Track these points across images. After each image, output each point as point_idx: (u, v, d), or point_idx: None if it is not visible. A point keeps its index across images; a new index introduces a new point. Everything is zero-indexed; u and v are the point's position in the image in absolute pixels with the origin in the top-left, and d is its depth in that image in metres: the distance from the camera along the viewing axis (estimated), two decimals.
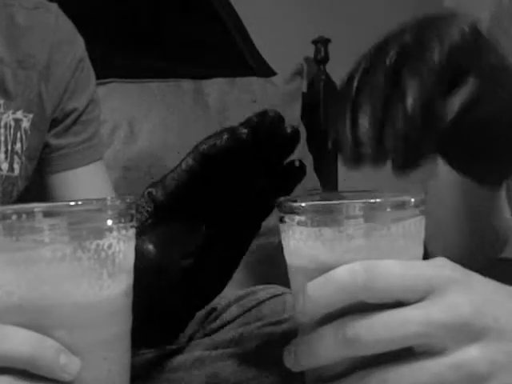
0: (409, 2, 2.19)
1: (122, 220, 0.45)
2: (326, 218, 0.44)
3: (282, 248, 0.48)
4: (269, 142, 0.54)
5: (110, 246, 0.44)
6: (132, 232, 0.46)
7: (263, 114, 0.53)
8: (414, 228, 0.45)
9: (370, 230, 0.44)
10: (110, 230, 0.44)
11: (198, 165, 0.53)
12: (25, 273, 0.42)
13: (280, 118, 0.53)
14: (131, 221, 0.45)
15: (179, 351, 0.74)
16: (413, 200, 0.45)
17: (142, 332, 0.57)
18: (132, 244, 0.46)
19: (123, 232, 0.45)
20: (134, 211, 0.46)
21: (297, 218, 0.45)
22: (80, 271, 0.43)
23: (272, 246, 1.41)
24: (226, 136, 0.53)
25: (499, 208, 0.77)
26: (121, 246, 0.44)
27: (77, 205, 0.44)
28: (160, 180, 0.55)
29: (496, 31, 0.83)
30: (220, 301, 0.78)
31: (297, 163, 0.56)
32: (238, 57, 1.84)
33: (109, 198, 0.46)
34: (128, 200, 0.46)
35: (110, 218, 0.44)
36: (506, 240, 0.82)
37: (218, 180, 0.55)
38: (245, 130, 0.52)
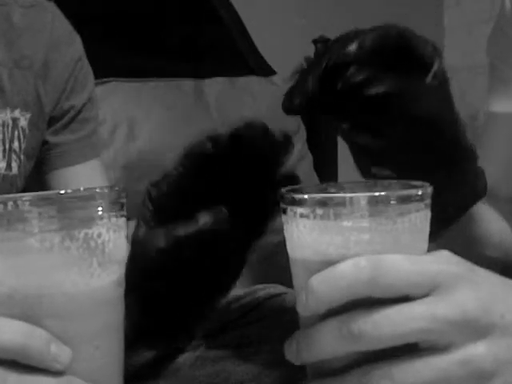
0: (409, 2, 2.20)
1: (112, 209, 0.44)
2: (330, 210, 0.44)
3: (284, 242, 0.47)
4: (252, 153, 0.54)
5: (99, 235, 0.43)
6: (122, 221, 0.45)
7: (249, 125, 0.53)
8: (419, 222, 0.45)
9: (375, 224, 0.44)
10: (100, 218, 0.43)
11: (184, 168, 0.54)
12: (14, 263, 0.42)
13: (265, 130, 0.53)
14: (121, 210, 0.45)
15: (180, 351, 0.74)
16: (418, 193, 0.45)
17: (151, 334, 0.57)
18: (123, 233, 0.45)
19: (113, 221, 0.44)
20: (124, 200, 0.45)
21: (299, 210, 0.45)
22: (69, 261, 0.43)
23: (272, 246, 1.40)
24: (208, 145, 0.53)
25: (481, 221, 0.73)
26: (110, 235, 0.44)
27: (66, 193, 0.44)
28: (159, 179, 0.55)
29: (499, 36, 0.83)
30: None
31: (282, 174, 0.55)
32: (237, 56, 1.83)
33: (98, 186, 0.45)
34: (117, 188, 0.45)
35: (100, 207, 0.43)
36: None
37: (209, 183, 0.54)
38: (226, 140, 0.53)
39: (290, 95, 0.54)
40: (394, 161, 0.57)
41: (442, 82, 0.56)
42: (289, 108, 0.54)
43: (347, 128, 0.56)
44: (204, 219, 0.53)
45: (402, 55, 0.54)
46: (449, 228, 0.64)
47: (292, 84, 0.54)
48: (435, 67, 0.55)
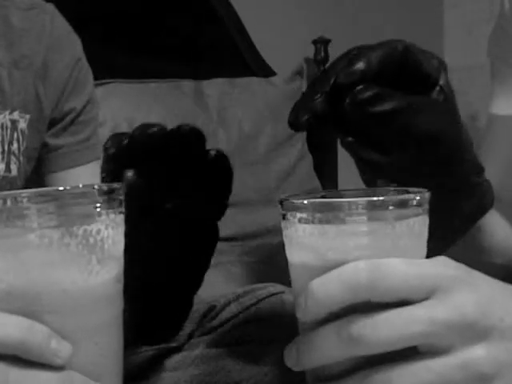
0: (409, 2, 2.20)
1: (110, 205, 0.44)
2: (329, 215, 0.44)
3: (283, 246, 0.47)
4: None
5: (98, 232, 0.43)
6: (120, 218, 0.45)
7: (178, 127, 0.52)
8: (417, 227, 0.45)
9: (374, 228, 0.44)
10: (98, 215, 0.43)
11: (106, 165, 0.53)
12: (13, 260, 0.42)
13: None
14: (119, 206, 0.45)
15: (178, 349, 0.74)
16: (416, 198, 0.45)
17: (143, 327, 0.57)
18: (121, 230, 0.45)
19: (111, 217, 0.44)
20: (122, 197, 0.45)
21: (299, 215, 0.45)
22: (68, 257, 0.43)
23: (272, 246, 1.41)
24: (126, 140, 0.52)
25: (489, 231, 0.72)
26: (109, 231, 0.44)
27: (64, 190, 0.44)
28: None
29: (499, 36, 0.83)
30: (219, 299, 0.77)
31: (212, 153, 0.54)
32: (237, 57, 1.83)
33: (96, 183, 0.45)
34: (115, 185, 0.45)
35: (98, 203, 0.43)
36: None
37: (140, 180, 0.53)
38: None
39: (295, 112, 0.54)
40: (400, 175, 0.56)
41: (448, 96, 0.56)
42: (295, 125, 0.54)
43: (353, 143, 0.56)
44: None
45: (408, 71, 0.54)
46: (457, 241, 0.64)
47: (297, 101, 0.54)
48: (441, 82, 0.55)
